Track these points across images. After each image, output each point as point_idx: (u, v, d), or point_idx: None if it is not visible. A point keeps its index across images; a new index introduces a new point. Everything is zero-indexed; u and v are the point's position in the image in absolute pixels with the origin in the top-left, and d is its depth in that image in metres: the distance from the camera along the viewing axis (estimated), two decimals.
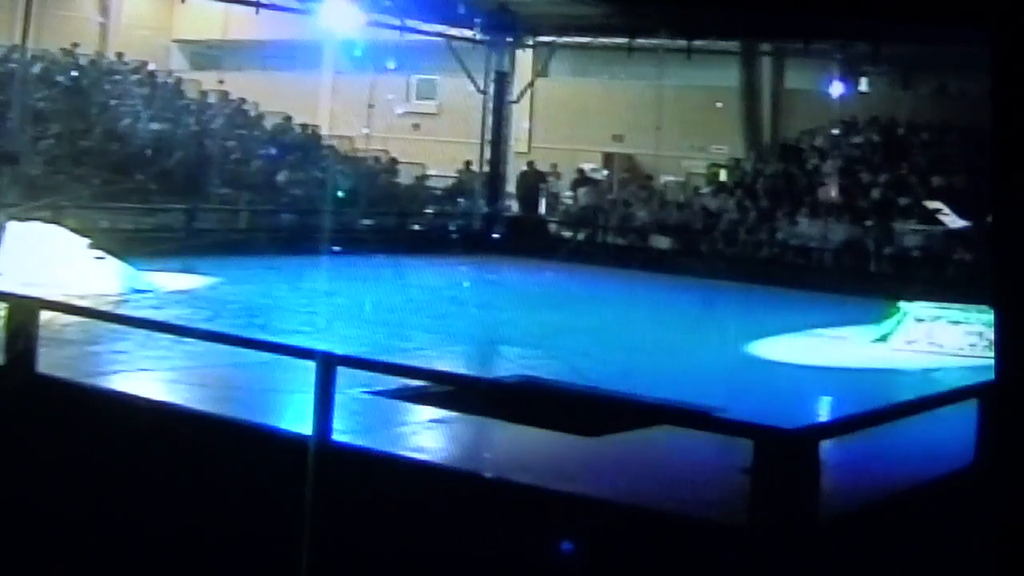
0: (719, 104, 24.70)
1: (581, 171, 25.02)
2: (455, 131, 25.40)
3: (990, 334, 12.86)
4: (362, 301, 14.34)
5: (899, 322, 13.61)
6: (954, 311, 13.50)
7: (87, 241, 14.07)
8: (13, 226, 14.05)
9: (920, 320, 13.46)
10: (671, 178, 24.77)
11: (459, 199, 24.73)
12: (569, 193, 24.85)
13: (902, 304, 13.93)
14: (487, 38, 23.42)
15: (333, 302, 13.93)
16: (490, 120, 24.25)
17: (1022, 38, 4.07)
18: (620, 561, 5.85)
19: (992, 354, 12.81)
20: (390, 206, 23.30)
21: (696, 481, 6.60)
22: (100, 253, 13.96)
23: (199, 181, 21.27)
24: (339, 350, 7.30)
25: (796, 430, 5.94)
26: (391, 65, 23.46)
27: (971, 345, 13.01)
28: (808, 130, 23.84)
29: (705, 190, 23.59)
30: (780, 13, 16.66)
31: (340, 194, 21.07)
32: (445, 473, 6.74)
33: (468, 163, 24.80)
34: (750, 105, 24.93)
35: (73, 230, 14.42)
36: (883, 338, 13.56)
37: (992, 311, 13.69)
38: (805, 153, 23.35)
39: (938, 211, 20.11)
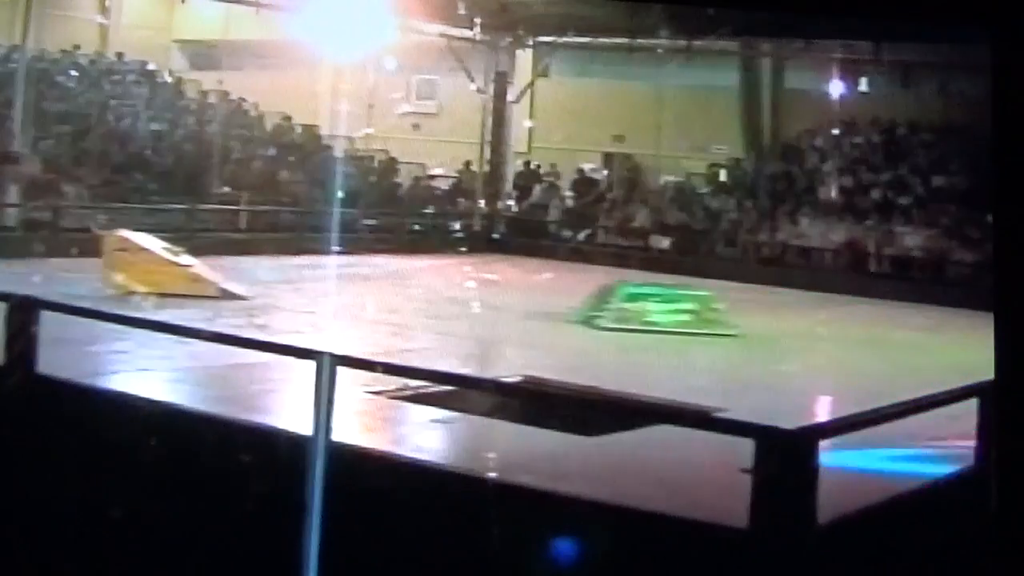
0: (719, 104, 24.68)
1: (581, 171, 25.02)
2: (455, 131, 25.41)
3: (704, 311, 13.57)
4: (364, 301, 14.38)
5: (607, 302, 13.75)
6: (666, 290, 13.98)
7: (172, 246, 14.10)
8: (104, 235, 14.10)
9: (633, 299, 13.63)
10: (671, 178, 24.75)
11: (459, 199, 24.75)
12: (570, 193, 24.86)
13: (618, 284, 14.16)
14: (487, 38, 23.43)
15: (333, 302, 13.95)
16: (490, 120, 24.28)
17: (1022, 38, 4.07)
18: (620, 562, 5.85)
19: (705, 329, 13.22)
20: (390, 206, 23.32)
21: (696, 481, 6.60)
22: (190, 259, 13.94)
23: (199, 181, 21.29)
24: (341, 350, 7.30)
25: (797, 430, 5.94)
26: (391, 65, 23.47)
27: (684, 321, 13.44)
28: (808, 130, 23.83)
29: (705, 190, 23.59)
30: (780, 13, 16.66)
31: (340, 194, 21.08)
32: (445, 473, 6.74)
33: (468, 163, 24.83)
34: (750, 105, 24.90)
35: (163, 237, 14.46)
36: (589, 319, 13.58)
37: (700, 289, 14.19)
38: (805, 153, 23.35)
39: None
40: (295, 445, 6.49)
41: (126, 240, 13.88)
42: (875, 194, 21.36)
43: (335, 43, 19.84)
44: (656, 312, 13.51)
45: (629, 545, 5.88)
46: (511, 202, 24.66)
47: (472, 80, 23.57)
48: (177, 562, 6.80)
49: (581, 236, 22.87)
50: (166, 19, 28.69)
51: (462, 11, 21.08)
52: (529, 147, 26.25)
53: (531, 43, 24.48)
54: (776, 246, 21.06)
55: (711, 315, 13.62)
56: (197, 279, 13.51)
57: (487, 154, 24.45)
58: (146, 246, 13.80)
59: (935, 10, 4.60)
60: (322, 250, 16.57)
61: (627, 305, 13.56)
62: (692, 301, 13.73)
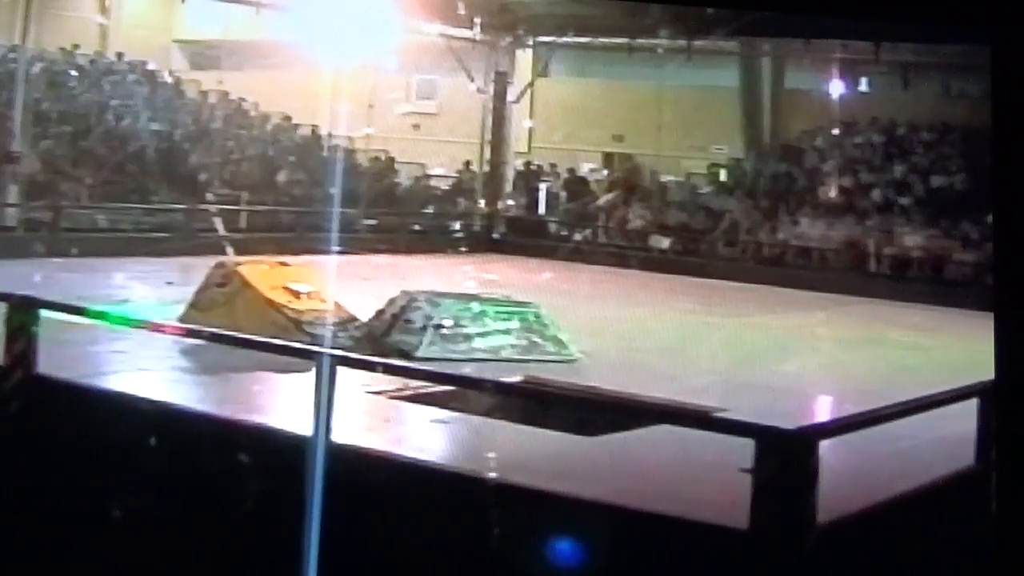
0: (719, 104, 24.69)
1: (572, 171, 25.04)
2: (455, 131, 25.41)
3: (531, 331, 11.24)
4: (363, 301, 14.36)
5: (409, 320, 11.21)
6: (482, 304, 11.51)
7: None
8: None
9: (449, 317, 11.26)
10: (671, 178, 24.76)
11: (459, 199, 24.76)
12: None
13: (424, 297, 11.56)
14: (487, 38, 23.44)
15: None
16: (490, 120, 24.29)
17: (1022, 38, 4.07)
18: (620, 563, 5.85)
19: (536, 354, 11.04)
20: (390, 206, 23.32)
21: (696, 481, 6.60)
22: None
23: (199, 181, 21.29)
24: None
25: (797, 430, 5.95)
26: (391, 65, 23.47)
27: (510, 346, 11.20)
28: (808, 130, 23.84)
29: (705, 190, 23.60)
30: (780, 13, 16.66)
31: (340, 194, 21.07)
32: (445, 473, 6.74)
33: (468, 163, 24.84)
34: (750, 105, 24.91)
35: None
36: (389, 341, 10.99)
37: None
38: (805, 153, 23.35)
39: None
40: (295, 445, 6.50)
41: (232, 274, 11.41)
42: (875, 194, 21.37)
43: (335, 43, 19.85)
44: (478, 335, 11.11)
45: (629, 545, 5.88)
46: (511, 202, 24.67)
47: (472, 80, 23.58)
48: (177, 562, 6.80)
49: (579, 236, 22.86)
50: (166, 19, 28.68)
51: (462, 11, 21.08)
52: (529, 147, 26.25)
53: (531, 43, 24.49)
54: (776, 246, 21.06)
55: (539, 336, 11.29)
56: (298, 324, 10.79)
57: (487, 154, 24.46)
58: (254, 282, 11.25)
59: (935, 11, 4.61)
60: (322, 250, 16.58)
61: (444, 324, 11.08)
62: (515, 319, 11.34)
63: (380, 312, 11.51)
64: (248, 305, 10.94)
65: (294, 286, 11.21)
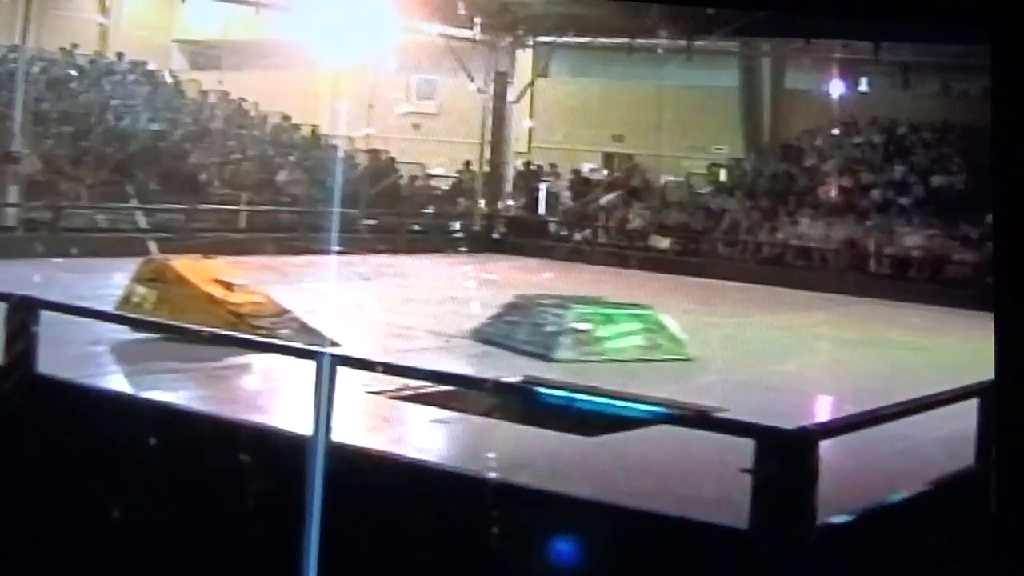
0: (719, 104, 24.69)
1: (577, 171, 25.05)
2: (455, 131, 25.41)
3: (651, 332, 11.42)
4: (363, 301, 14.39)
5: (540, 323, 11.47)
6: (603, 307, 11.74)
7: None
8: None
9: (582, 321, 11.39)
10: (671, 178, 24.76)
11: (459, 199, 24.78)
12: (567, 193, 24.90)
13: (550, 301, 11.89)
14: (487, 38, 23.45)
15: (334, 302, 13.95)
16: (490, 120, 24.31)
17: (1022, 38, 4.07)
18: (620, 562, 5.85)
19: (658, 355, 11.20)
20: (390, 206, 23.33)
21: (696, 481, 6.60)
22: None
23: (198, 181, 21.29)
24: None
25: (797, 430, 5.95)
26: (391, 65, 23.47)
27: (637, 347, 11.34)
28: (808, 130, 23.85)
29: (705, 190, 23.60)
30: (780, 13, 16.67)
31: (339, 194, 21.07)
32: (445, 473, 6.74)
33: (468, 163, 24.85)
34: (750, 105, 24.91)
35: None
36: (513, 342, 11.28)
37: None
38: (805, 153, 23.36)
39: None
40: (295, 445, 6.49)
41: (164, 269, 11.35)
42: (875, 194, 21.37)
43: (335, 43, 19.85)
44: (608, 337, 11.23)
45: (629, 545, 5.88)
46: (511, 202, 24.68)
47: (472, 80, 23.60)
48: (177, 562, 6.79)
49: (579, 236, 22.87)
50: (166, 19, 28.68)
51: (462, 11, 21.09)
52: (529, 147, 26.25)
53: (531, 43, 24.51)
54: (776, 246, 21.06)
55: (659, 336, 11.53)
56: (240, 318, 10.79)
57: (487, 154, 24.48)
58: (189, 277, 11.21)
59: (935, 10, 4.61)
60: (322, 250, 16.60)
61: (580, 327, 11.18)
62: (637, 321, 11.56)
63: (497, 316, 11.89)
64: (186, 300, 10.85)
65: (225, 279, 11.25)
